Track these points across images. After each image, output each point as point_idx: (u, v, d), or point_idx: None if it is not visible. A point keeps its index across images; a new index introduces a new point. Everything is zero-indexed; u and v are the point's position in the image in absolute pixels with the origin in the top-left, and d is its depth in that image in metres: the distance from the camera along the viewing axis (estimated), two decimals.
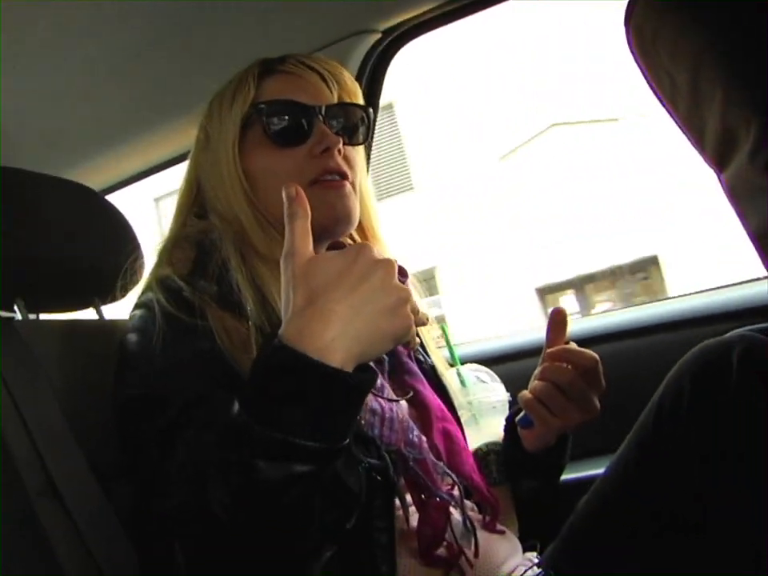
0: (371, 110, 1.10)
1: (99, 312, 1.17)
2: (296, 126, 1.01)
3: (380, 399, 0.91)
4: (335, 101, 1.04)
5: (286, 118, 1.01)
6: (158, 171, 1.77)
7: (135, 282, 1.10)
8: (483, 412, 1.17)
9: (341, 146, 1.01)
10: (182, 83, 1.41)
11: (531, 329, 1.74)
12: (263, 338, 0.73)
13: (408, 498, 0.92)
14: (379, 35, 1.41)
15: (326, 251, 0.71)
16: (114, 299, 1.14)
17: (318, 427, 0.65)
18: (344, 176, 1.01)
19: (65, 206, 1.10)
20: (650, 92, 0.71)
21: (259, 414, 0.66)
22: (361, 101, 1.10)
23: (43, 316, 1.15)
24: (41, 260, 1.04)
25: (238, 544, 0.66)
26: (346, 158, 1.03)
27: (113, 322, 1.12)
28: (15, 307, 1.05)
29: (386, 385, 0.96)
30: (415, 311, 0.72)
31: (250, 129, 1.03)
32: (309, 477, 0.65)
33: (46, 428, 0.85)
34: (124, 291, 1.08)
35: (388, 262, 0.71)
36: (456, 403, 1.13)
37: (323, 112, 1.01)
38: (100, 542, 0.79)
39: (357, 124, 1.07)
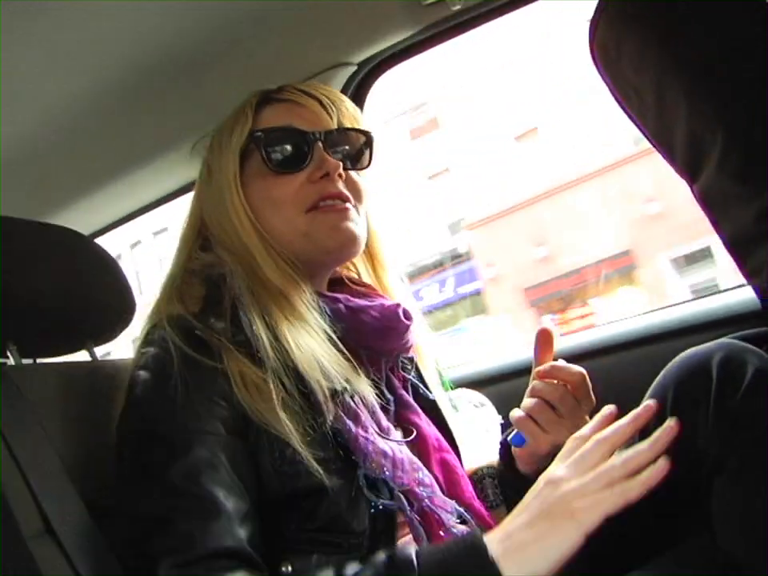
0: (373, 135, 1.07)
1: (92, 354, 1.17)
2: (294, 152, 0.99)
3: (389, 442, 0.91)
4: (335, 126, 1.02)
5: (284, 144, 0.99)
6: (146, 211, 1.77)
7: (128, 322, 1.10)
8: (476, 435, 1.18)
9: (341, 170, 0.99)
10: (169, 121, 1.42)
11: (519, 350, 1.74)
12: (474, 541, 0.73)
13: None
14: (355, 68, 1.43)
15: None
16: (106, 340, 1.14)
17: None
18: (345, 200, 0.99)
19: (53, 251, 1.10)
20: (619, 108, 0.73)
21: None
22: (362, 126, 1.07)
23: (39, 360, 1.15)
24: (31, 305, 1.04)
25: None
26: (349, 184, 1.01)
27: (106, 363, 1.12)
28: (8, 353, 1.05)
29: (391, 426, 0.96)
30: None
31: (249, 159, 1.01)
32: None
33: (41, 470, 0.86)
34: (119, 332, 1.08)
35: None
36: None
37: (322, 138, 0.99)
38: None
39: (359, 149, 1.05)
